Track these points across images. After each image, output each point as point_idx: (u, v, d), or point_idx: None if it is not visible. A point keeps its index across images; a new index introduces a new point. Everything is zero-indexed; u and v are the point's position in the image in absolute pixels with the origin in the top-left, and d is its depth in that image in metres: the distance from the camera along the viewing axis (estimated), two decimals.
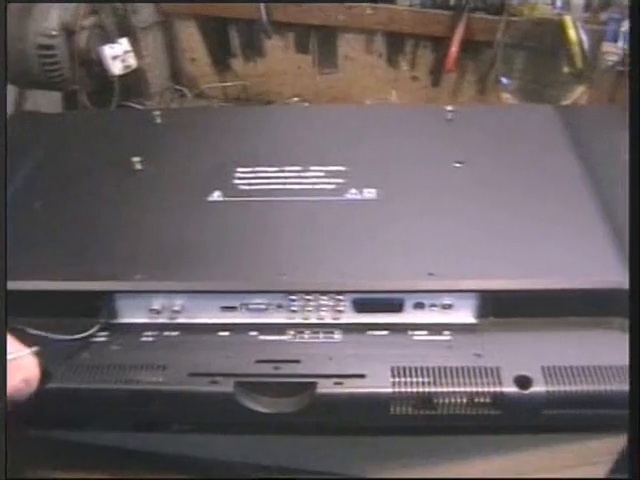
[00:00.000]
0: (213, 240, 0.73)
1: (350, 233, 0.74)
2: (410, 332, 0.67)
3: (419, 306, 0.68)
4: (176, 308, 0.68)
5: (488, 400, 0.61)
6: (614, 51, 1.21)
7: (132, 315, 0.69)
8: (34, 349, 0.60)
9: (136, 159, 0.85)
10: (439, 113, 0.95)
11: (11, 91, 1.43)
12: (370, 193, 0.79)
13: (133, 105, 1.59)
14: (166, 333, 0.68)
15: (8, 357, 0.58)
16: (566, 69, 1.31)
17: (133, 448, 0.81)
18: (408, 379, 0.61)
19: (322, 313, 0.69)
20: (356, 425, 0.70)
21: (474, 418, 0.61)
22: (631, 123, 0.68)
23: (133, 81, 1.59)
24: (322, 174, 0.83)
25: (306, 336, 0.67)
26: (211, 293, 0.68)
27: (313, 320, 0.69)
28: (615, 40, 1.22)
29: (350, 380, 0.62)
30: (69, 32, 1.37)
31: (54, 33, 1.34)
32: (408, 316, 0.68)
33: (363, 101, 1.58)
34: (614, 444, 0.74)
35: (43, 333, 0.63)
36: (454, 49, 1.40)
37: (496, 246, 0.71)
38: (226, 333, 0.68)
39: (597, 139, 0.90)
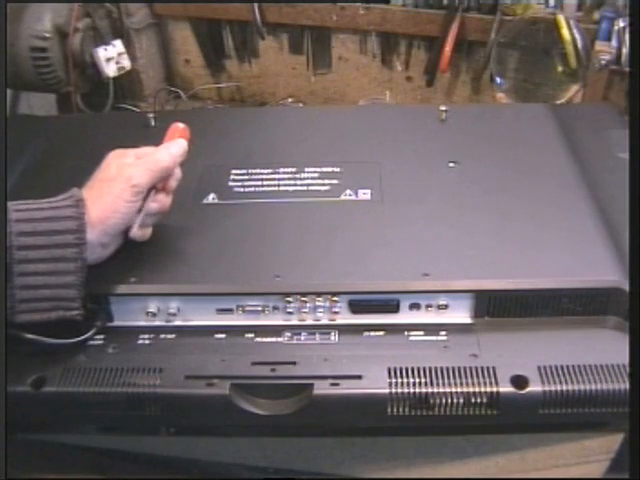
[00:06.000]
0: (208, 242, 0.73)
1: (345, 234, 0.74)
2: (406, 333, 0.67)
3: (415, 307, 0.68)
4: (172, 311, 0.68)
5: (484, 400, 0.61)
6: (607, 50, 1.21)
7: (128, 318, 0.69)
8: None
9: None
10: (433, 113, 0.95)
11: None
12: (365, 194, 0.79)
13: (127, 107, 1.59)
14: (162, 336, 0.68)
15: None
16: (560, 68, 1.31)
17: (130, 450, 0.81)
18: (405, 380, 0.61)
19: (318, 314, 0.69)
20: (353, 426, 0.70)
21: (471, 418, 0.61)
22: (631, 123, 0.68)
23: (127, 83, 1.60)
24: (317, 175, 0.83)
25: (302, 338, 0.67)
26: (207, 295, 0.68)
27: (309, 322, 0.69)
28: (608, 39, 1.22)
29: (346, 381, 0.62)
30: (62, 34, 1.37)
31: (47, 35, 1.34)
32: (404, 317, 0.68)
33: (357, 102, 1.58)
34: (611, 443, 0.74)
35: (39, 337, 0.63)
36: (448, 49, 1.40)
37: (491, 246, 0.71)
38: (222, 335, 0.68)
39: (591, 137, 0.90)
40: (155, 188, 0.70)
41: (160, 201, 0.70)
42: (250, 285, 0.68)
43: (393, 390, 0.61)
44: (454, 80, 1.52)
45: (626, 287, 0.65)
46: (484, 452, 0.76)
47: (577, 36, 1.27)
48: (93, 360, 0.65)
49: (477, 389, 0.61)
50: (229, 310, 0.69)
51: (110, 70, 1.46)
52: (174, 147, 0.71)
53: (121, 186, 0.66)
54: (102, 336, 0.67)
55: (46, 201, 0.63)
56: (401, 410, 0.61)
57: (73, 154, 0.89)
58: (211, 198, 0.80)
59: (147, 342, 0.67)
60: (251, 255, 0.72)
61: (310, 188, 0.81)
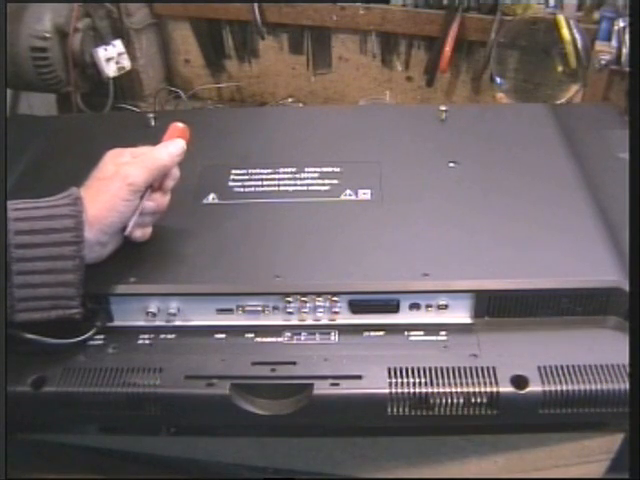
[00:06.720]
0: (208, 242, 0.73)
1: (345, 234, 0.74)
2: (406, 333, 0.67)
3: (415, 307, 0.68)
4: (172, 311, 0.68)
5: (484, 400, 0.61)
6: (607, 50, 1.21)
7: (128, 318, 0.69)
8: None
9: None
10: (433, 113, 0.95)
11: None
12: (365, 194, 0.79)
13: (127, 107, 1.59)
14: (162, 336, 0.68)
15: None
16: (560, 68, 1.31)
17: (130, 450, 0.81)
18: (404, 380, 0.61)
19: (318, 314, 0.69)
20: (353, 426, 0.70)
21: (471, 418, 0.61)
22: (631, 123, 0.68)
23: (127, 83, 1.59)
24: (317, 175, 0.83)
25: (302, 338, 0.67)
26: (207, 295, 0.68)
27: (309, 322, 0.69)
28: (608, 39, 1.22)
29: (346, 381, 0.62)
30: (62, 34, 1.37)
31: (47, 35, 1.34)
32: (404, 317, 0.68)
33: (357, 102, 1.58)
34: (611, 443, 0.74)
35: (39, 337, 0.63)
36: (448, 49, 1.40)
37: (491, 246, 0.71)
38: (222, 335, 0.68)
39: (591, 137, 0.90)
40: (152, 187, 0.70)
41: (156, 200, 0.70)
42: (250, 285, 0.68)
43: (393, 390, 0.61)
44: (454, 80, 1.52)
45: (626, 287, 0.65)
46: (484, 452, 0.76)
47: (577, 36, 1.27)
48: (93, 360, 0.65)
49: (477, 389, 0.61)
50: (229, 310, 0.69)
51: (110, 70, 1.46)
52: (172, 146, 0.71)
53: (118, 184, 0.66)
54: (102, 336, 0.67)
55: (44, 200, 0.63)
56: (401, 410, 0.61)
57: (73, 154, 0.89)
58: (211, 198, 0.80)
59: (147, 342, 0.67)
60: (251, 255, 0.72)
61: (310, 188, 0.81)
